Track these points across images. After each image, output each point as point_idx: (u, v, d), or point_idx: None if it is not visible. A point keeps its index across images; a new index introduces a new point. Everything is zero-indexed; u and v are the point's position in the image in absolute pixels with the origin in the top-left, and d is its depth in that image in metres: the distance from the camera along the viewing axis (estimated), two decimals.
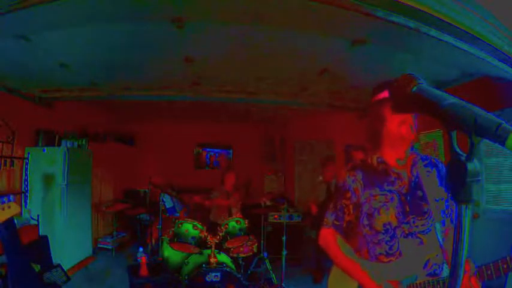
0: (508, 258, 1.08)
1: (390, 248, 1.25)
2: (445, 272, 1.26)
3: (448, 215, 1.28)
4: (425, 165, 1.33)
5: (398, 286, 1.21)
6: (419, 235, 1.24)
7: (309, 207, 4.01)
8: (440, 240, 1.25)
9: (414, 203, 1.26)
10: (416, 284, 1.20)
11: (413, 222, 1.25)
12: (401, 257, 1.24)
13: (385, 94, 1.27)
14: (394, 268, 1.24)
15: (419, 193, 1.27)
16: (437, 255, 1.25)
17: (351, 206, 1.33)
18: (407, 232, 1.24)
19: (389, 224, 1.25)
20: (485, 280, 1.10)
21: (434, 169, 1.32)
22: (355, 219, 1.33)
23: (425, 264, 1.23)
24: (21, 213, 3.76)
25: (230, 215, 3.97)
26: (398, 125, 1.24)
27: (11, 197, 3.45)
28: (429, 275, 1.22)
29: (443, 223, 1.27)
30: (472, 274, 1.08)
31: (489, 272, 1.10)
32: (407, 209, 1.25)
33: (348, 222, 1.34)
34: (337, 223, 1.36)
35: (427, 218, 1.25)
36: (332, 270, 1.45)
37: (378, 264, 1.27)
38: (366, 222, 1.30)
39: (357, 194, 1.32)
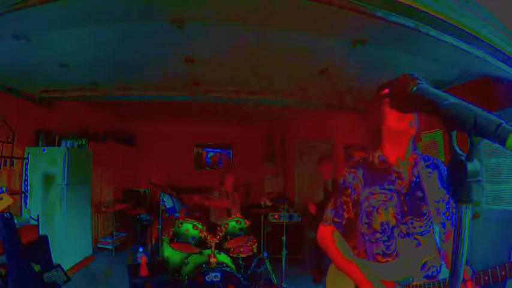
0: (506, 265, 1.07)
1: (387, 248, 1.24)
2: (443, 274, 1.24)
3: (449, 218, 1.27)
4: (427, 166, 1.31)
5: (394, 287, 1.20)
6: (417, 236, 1.23)
7: (307, 206, 4.01)
8: (439, 242, 1.24)
9: (413, 204, 1.25)
10: (412, 285, 1.18)
11: (411, 223, 1.23)
12: (398, 258, 1.23)
13: (384, 92, 1.26)
14: (390, 268, 1.23)
15: (419, 194, 1.26)
16: (435, 257, 1.23)
17: (350, 204, 1.32)
18: (405, 232, 1.23)
19: (387, 223, 1.24)
20: (482, 286, 1.09)
21: (436, 170, 1.31)
22: (354, 216, 1.32)
23: (423, 266, 1.21)
24: (15, 207, 3.72)
25: (229, 215, 3.97)
26: (397, 121, 1.23)
27: (3, 188, 3.43)
28: (427, 277, 1.21)
29: (443, 225, 1.26)
30: (469, 279, 1.08)
31: (486, 278, 1.09)
32: (406, 209, 1.24)
33: (348, 220, 1.33)
34: (337, 220, 1.35)
35: (425, 220, 1.24)
36: (330, 268, 1.44)
37: (375, 264, 1.26)
38: (365, 220, 1.29)
39: (357, 191, 1.31)
